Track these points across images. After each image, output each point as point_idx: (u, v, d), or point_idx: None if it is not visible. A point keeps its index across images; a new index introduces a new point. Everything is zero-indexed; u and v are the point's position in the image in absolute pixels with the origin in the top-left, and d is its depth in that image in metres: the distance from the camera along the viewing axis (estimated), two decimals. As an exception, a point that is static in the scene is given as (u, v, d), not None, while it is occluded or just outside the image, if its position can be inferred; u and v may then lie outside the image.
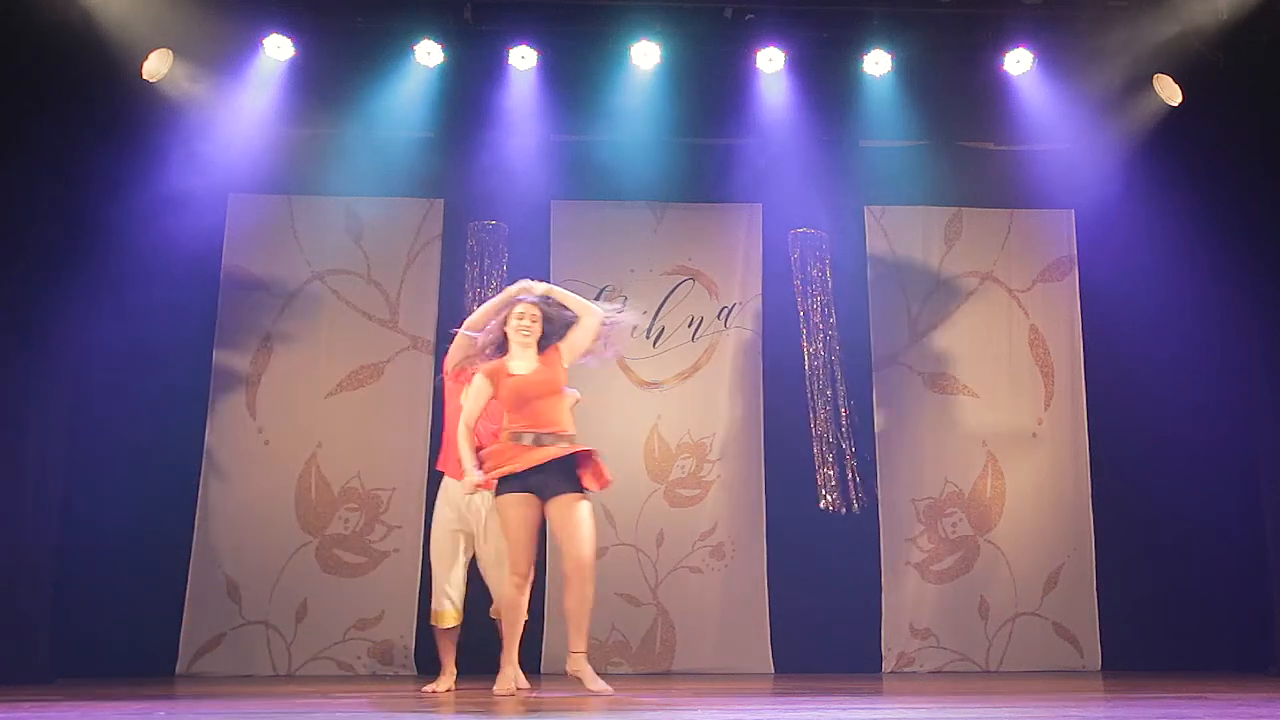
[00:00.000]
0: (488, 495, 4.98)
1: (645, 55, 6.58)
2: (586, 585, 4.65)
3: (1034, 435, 7.09)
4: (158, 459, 6.47)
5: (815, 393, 6.89)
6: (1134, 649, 6.72)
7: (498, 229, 6.92)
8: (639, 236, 7.16)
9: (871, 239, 7.24)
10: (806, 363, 6.94)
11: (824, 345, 6.96)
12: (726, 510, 6.86)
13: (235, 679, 6.18)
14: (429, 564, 5.29)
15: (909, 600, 6.83)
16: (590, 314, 4.89)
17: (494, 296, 5.28)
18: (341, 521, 6.72)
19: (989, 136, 7.21)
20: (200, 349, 6.78)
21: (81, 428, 6.21)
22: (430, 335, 6.84)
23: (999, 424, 7.09)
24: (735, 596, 6.74)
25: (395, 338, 6.96)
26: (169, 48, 6.33)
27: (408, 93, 6.73)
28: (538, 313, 4.84)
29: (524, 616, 4.77)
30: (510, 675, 4.74)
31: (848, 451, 6.81)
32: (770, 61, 6.72)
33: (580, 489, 4.70)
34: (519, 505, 4.66)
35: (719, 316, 7.12)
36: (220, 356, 6.82)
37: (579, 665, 4.70)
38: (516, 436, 4.68)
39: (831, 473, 6.77)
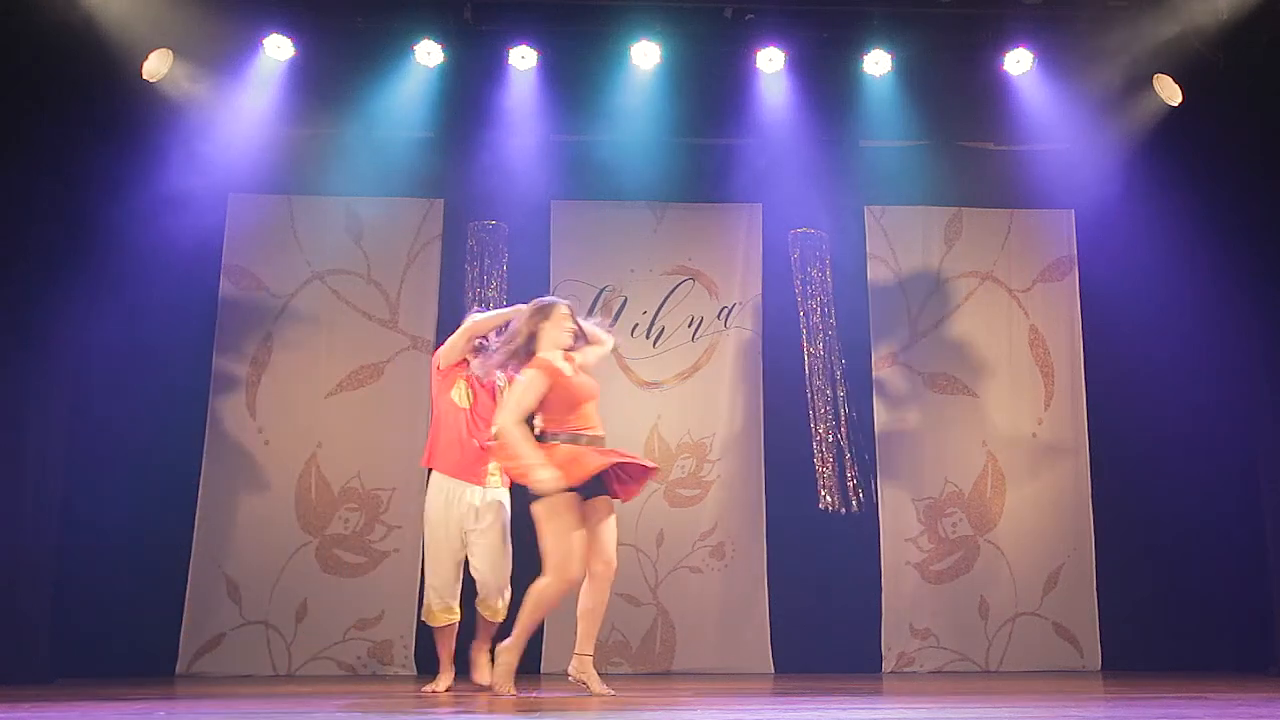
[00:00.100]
0: (478, 491, 4.98)
1: (645, 55, 6.58)
2: (608, 589, 4.74)
3: (1034, 435, 7.09)
4: (158, 459, 6.47)
5: (815, 393, 6.89)
6: (1134, 649, 6.72)
7: (498, 229, 6.92)
8: (639, 236, 7.16)
9: (871, 239, 7.24)
10: (806, 363, 6.94)
11: (824, 345, 6.96)
12: (726, 510, 6.86)
13: (235, 679, 6.18)
14: (428, 563, 5.29)
15: (909, 600, 6.83)
16: (608, 340, 5.09)
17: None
18: (341, 521, 6.72)
19: (989, 136, 7.21)
20: (200, 349, 6.78)
21: (81, 428, 6.21)
22: (430, 335, 6.84)
23: (999, 424, 7.09)
24: (735, 596, 6.74)
25: (395, 338, 6.96)
26: (169, 48, 6.32)
27: (408, 93, 6.73)
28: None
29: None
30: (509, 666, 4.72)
31: (848, 451, 6.81)
32: (770, 61, 6.72)
33: (610, 493, 4.77)
34: (575, 507, 4.65)
35: (719, 316, 7.12)
36: (220, 356, 6.82)
37: (586, 668, 4.71)
38: (575, 438, 4.71)
39: (831, 473, 6.78)
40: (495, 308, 6.56)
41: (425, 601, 5.13)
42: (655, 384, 7.01)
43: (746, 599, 6.73)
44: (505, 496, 5.13)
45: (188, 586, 6.53)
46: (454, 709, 4.23)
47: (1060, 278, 7.28)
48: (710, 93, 6.90)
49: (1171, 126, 6.72)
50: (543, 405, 4.72)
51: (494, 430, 4.80)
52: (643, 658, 6.65)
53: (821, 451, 6.80)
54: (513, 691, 4.66)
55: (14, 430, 5.85)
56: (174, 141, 6.45)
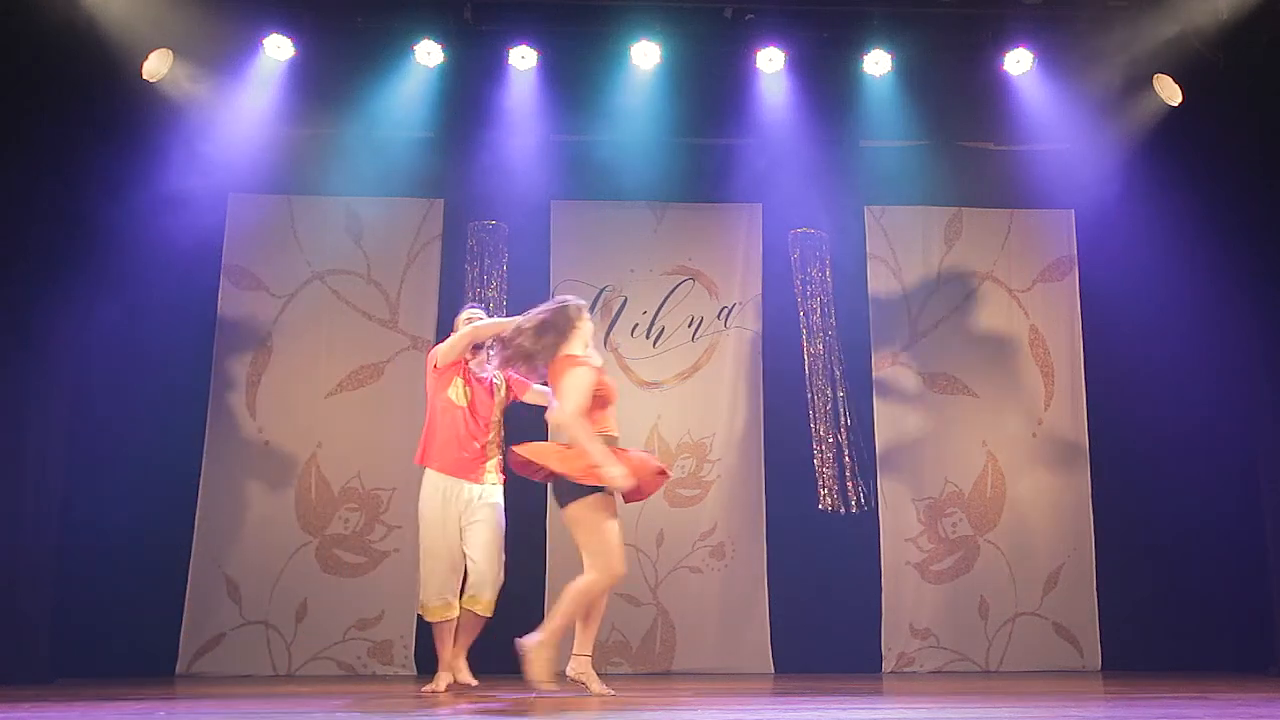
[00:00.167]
0: (471, 487, 4.95)
1: (645, 55, 6.58)
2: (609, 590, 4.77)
3: (1034, 435, 7.09)
4: (158, 459, 6.47)
5: (815, 393, 6.89)
6: (1134, 649, 6.72)
7: (498, 229, 6.92)
8: (639, 236, 7.16)
9: (871, 239, 7.24)
10: (806, 363, 6.94)
11: (824, 345, 6.96)
12: (726, 510, 6.86)
13: (235, 679, 6.18)
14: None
15: (909, 600, 6.83)
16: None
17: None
18: (341, 521, 6.72)
19: (989, 136, 7.21)
20: (200, 349, 6.79)
21: (81, 428, 6.21)
22: (430, 335, 6.84)
23: (999, 424, 7.09)
24: (735, 596, 6.74)
25: (395, 338, 6.96)
26: (169, 48, 6.33)
27: (408, 93, 6.73)
28: None
29: None
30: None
31: (848, 451, 6.81)
32: (770, 61, 6.72)
33: (623, 497, 4.81)
34: (613, 505, 4.70)
35: (719, 316, 7.12)
36: (220, 356, 6.83)
37: (585, 669, 4.70)
38: (613, 439, 4.74)
39: (831, 473, 6.78)
40: (495, 308, 6.62)
41: (422, 599, 5.10)
42: (655, 384, 7.01)
43: (746, 599, 6.73)
44: (500, 495, 5.11)
45: (188, 586, 6.53)
46: (454, 709, 4.23)
47: (1060, 278, 7.28)
48: (710, 93, 6.91)
49: (1171, 126, 6.73)
50: (594, 404, 4.74)
51: (556, 423, 4.76)
52: (643, 658, 6.65)
53: (821, 451, 6.80)
54: (557, 687, 4.64)
55: (14, 430, 5.85)
56: (174, 141, 6.45)
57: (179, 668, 6.40)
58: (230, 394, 6.80)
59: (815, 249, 7.06)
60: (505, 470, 5.10)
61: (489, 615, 5.03)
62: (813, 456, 6.79)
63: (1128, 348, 6.94)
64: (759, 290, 7.13)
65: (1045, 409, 7.12)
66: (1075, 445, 7.06)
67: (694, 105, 6.87)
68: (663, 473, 4.83)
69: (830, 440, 6.82)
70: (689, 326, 7.09)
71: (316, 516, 6.71)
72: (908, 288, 7.22)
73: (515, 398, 5.24)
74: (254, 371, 6.85)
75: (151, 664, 6.29)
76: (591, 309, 6.84)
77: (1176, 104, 6.62)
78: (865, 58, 6.70)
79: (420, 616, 5.20)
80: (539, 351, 4.78)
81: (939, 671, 6.71)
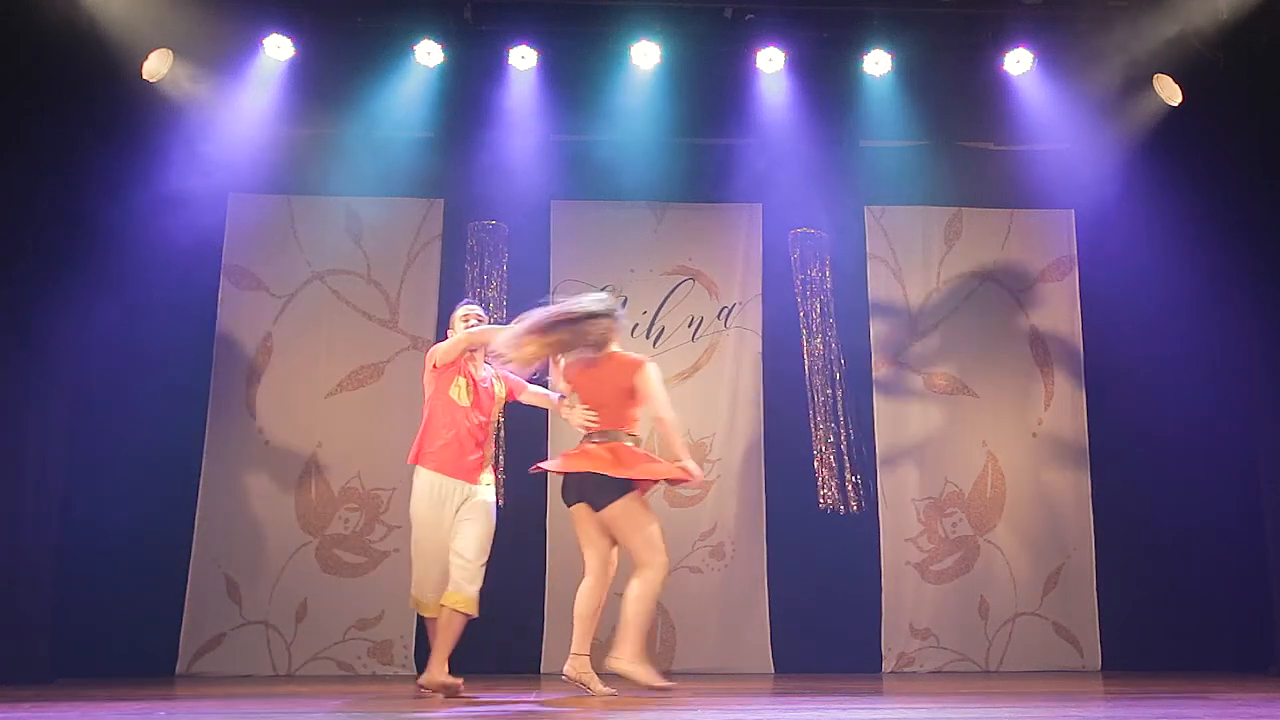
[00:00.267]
0: (466, 486, 4.89)
1: (645, 55, 6.58)
2: (607, 591, 4.85)
3: (1034, 435, 7.09)
4: (158, 459, 6.47)
5: (815, 392, 6.89)
6: (1134, 649, 6.72)
7: (498, 229, 6.92)
8: (639, 236, 7.16)
9: (871, 239, 7.24)
10: (806, 363, 6.94)
11: (824, 345, 6.96)
12: (726, 510, 6.86)
13: (235, 679, 6.18)
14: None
15: (909, 600, 6.83)
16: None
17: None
18: (341, 521, 6.72)
19: (989, 136, 7.21)
20: (200, 348, 6.79)
21: (81, 428, 6.21)
22: (430, 335, 6.83)
23: (999, 424, 7.09)
24: (735, 596, 6.74)
25: (395, 338, 6.96)
26: (169, 48, 6.33)
27: (408, 93, 6.73)
28: None
29: None
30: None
31: (847, 451, 6.81)
32: (770, 61, 6.72)
33: None
34: (647, 501, 4.84)
35: (719, 316, 7.12)
36: (220, 356, 6.82)
37: (585, 669, 4.69)
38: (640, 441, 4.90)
39: (831, 473, 6.77)
40: (495, 308, 6.61)
41: (415, 595, 4.99)
42: (655, 384, 7.00)
43: (746, 599, 6.73)
44: (492, 494, 5.07)
45: (188, 586, 6.53)
46: (453, 709, 4.23)
47: (1060, 278, 7.28)
48: (710, 93, 6.91)
49: (1171, 126, 6.73)
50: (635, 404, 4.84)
51: (664, 420, 4.82)
52: (643, 658, 6.63)
53: (821, 451, 6.80)
54: (667, 684, 4.68)
55: (14, 430, 5.85)
56: (174, 141, 6.45)
57: (179, 668, 6.40)
58: (230, 394, 6.80)
59: (815, 249, 7.06)
60: (497, 469, 5.07)
61: (473, 614, 4.81)
62: (813, 456, 6.79)
63: (1128, 348, 6.94)
64: (759, 290, 7.13)
65: (1045, 409, 7.12)
66: (1075, 445, 7.06)
67: (694, 105, 6.87)
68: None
69: (830, 440, 6.82)
70: (689, 326, 7.09)
71: (316, 516, 6.71)
72: (908, 288, 7.22)
73: (512, 398, 5.23)
74: (254, 371, 6.85)
75: (151, 664, 6.29)
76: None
77: (1176, 104, 6.62)
78: (865, 58, 6.70)
79: (414, 609, 5.14)
80: (577, 344, 4.78)
81: (939, 671, 6.71)
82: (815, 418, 6.85)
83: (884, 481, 6.92)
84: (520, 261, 6.90)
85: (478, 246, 6.91)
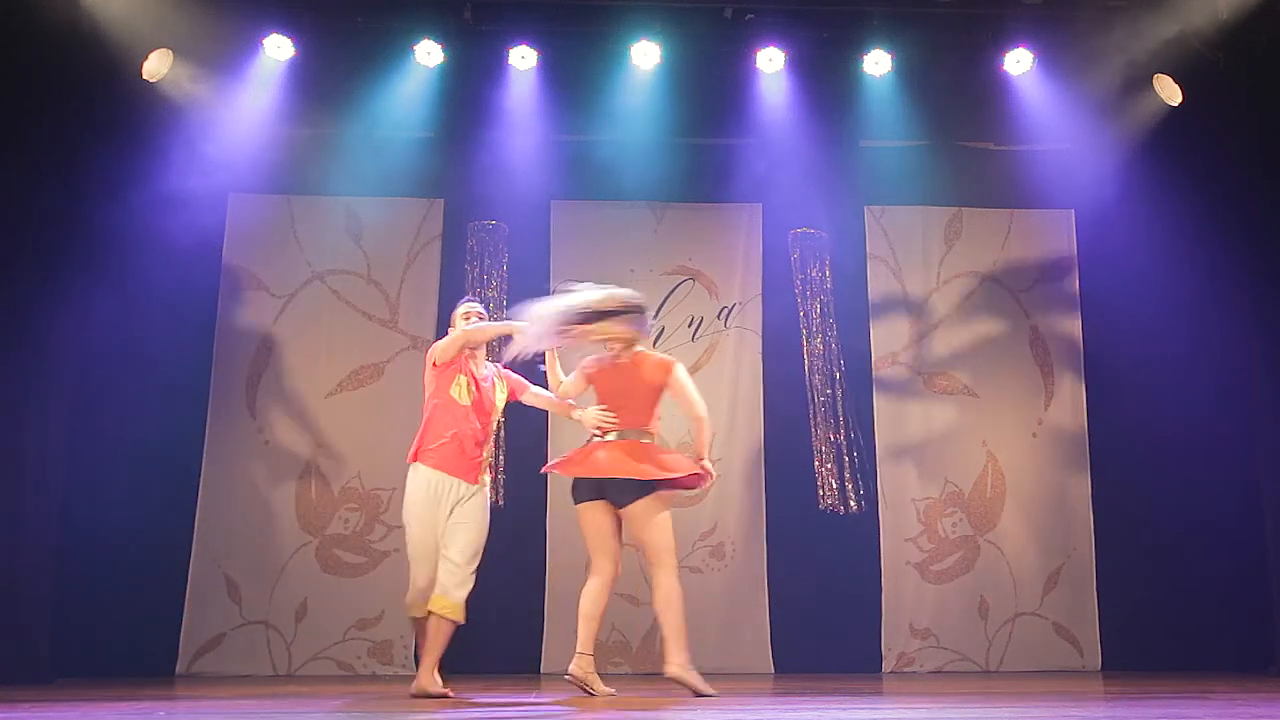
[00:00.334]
0: (460, 484, 4.85)
1: (645, 55, 6.58)
2: (610, 591, 4.86)
3: (1034, 435, 7.09)
4: (158, 459, 6.47)
5: (815, 392, 6.89)
6: (1134, 649, 6.72)
7: (498, 229, 6.93)
8: (639, 236, 7.16)
9: (871, 239, 7.24)
10: (806, 363, 6.94)
11: (824, 345, 6.96)
12: (726, 510, 6.86)
13: (235, 679, 6.18)
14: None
15: (909, 600, 6.83)
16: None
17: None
18: (341, 521, 6.72)
19: (989, 136, 7.21)
20: (200, 349, 6.79)
21: (81, 428, 6.20)
22: (430, 335, 6.83)
23: (999, 424, 7.09)
24: (735, 596, 6.74)
25: (395, 338, 6.96)
26: (169, 48, 6.33)
27: (408, 93, 6.73)
28: None
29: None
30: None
31: (847, 452, 6.81)
32: (770, 61, 6.72)
33: None
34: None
35: (719, 316, 7.12)
36: (220, 356, 6.83)
37: (588, 669, 4.68)
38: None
39: (831, 473, 6.77)
40: (495, 307, 6.60)
41: (409, 599, 4.91)
42: (655, 384, 7.00)
43: (746, 599, 6.73)
44: (487, 494, 5.03)
45: (188, 586, 6.53)
46: (453, 709, 4.23)
47: (1060, 278, 7.28)
48: (710, 93, 6.91)
49: (1171, 126, 6.73)
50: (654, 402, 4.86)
51: (703, 419, 4.87)
52: (643, 658, 6.64)
53: (821, 451, 6.80)
54: (710, 689, 4.68)
55: (14, 430, 5.85)
56: (174, 141, 6.45)
57: (179, 668, 6.40)
58: (230, 394, 6.80)
59: (815, 249, 7.06)
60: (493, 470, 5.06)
61: (460, 620, 4.76)
62: (813, 456, 6.79)
63: (1128, 348, 6.94)
64: (759, 290, 7.13)
65: (1045, 409, 7.12)
66: (1075, 445, 7.06)
67: (694, 105, 6.88)
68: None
69: (830, 440, 6.82)
70: (689, 326, 7.09)
71: (316, 516, 6.72)
72: (908, 288, 7.22)
73: (514, 398, 5.21)
74: (254, 371, 6.85)
75: (151, 664, 6.30)
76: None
77: (1176, 104, 6.62)
78: (865, 58, 6.70)
79: (408, 612, 5.05)
80: (615, 336, 4.77)
81: (939, 671, 6.71)
82: (815, 418, 6.86)
83: (884, 481, 6.92)
84: (520, 261, 6.90)
85: (478, 246, 6.91)
